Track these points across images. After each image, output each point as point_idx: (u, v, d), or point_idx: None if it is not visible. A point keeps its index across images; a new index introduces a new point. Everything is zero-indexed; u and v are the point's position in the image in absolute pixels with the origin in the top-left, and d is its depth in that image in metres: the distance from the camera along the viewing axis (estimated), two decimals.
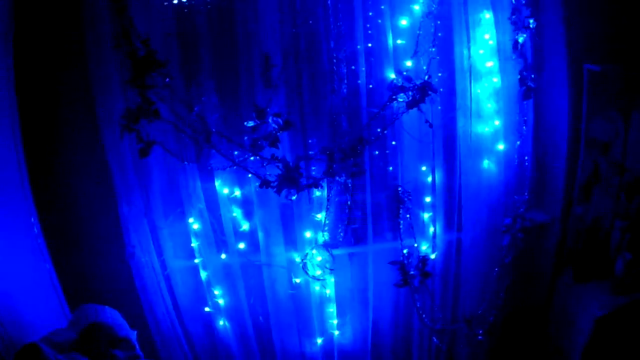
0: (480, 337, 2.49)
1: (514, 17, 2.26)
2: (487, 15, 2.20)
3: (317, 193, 2.04)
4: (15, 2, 2.07)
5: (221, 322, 2.24)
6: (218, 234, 2.13)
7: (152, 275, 2.20)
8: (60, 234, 2.29)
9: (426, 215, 2.20)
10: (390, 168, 2.14)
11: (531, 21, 2.29)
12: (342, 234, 2.09)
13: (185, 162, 2.01)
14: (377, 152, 2.12)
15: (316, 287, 2.17)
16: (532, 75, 2.33)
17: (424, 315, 2.31)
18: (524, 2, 2.28)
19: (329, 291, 2.16)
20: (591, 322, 2.27)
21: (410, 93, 2.05)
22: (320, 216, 2.07)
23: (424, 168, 2.15)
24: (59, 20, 2.11)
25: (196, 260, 2.16)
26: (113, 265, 2.28)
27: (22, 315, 2.16)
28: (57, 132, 2.23)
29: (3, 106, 2.19)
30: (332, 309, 2.21)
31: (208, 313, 2.23)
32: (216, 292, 2.19)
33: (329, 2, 2.04)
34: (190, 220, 2.11)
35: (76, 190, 2.24)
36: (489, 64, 2.24)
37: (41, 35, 2.13)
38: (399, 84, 2.06)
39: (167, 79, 1.95)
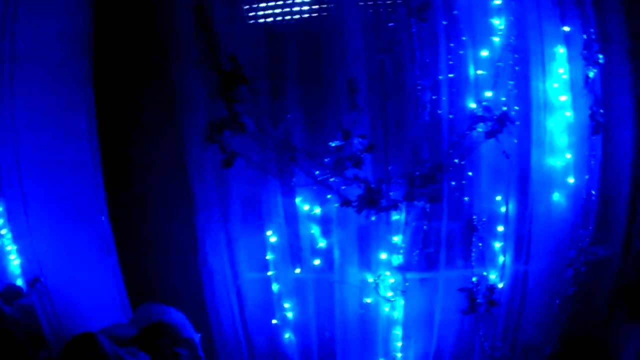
0: None
1: (585, 52, 2.31)
2: (561, 50, 2.25)
3: (395, 216, 2.08)
4: (97, 13, 2.18)
5: (287, 336, 2.26)
6: (294, 249, 2.18)
7: (222, 284, 2.25)
8: (131, 233, 2.36)
9: (497, 245, 2.21)
10: (466, 198, 2.17)
11: (600, 56, 2.34)
12: (416, 258, 2.12)
13: (268, 176, 2.07)
14: (453, 182, 2.15)
15: (385, 308, 2.19)
16: (601, 111, 2.37)
17: (485, 344, 2.32)
18: (594, 37, 2.33)
19: (397, 313, 2.19)
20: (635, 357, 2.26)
21: (489, 123, 2.11)
22: (397, 239, 2.11)
23: (498, 198, 2.17)
24: (142, 32, 2.22)
25: (269, 273, 2.20)
26: (182, 270, 2.33)
27: (81, 308, 2.21)
28: (137, 137, 2.31)
29: (80, 109, 2.30)
30: (398, 331, 2.22)
31: (275, 326, 2.27)
32: (286, 305, 2.22)
33: (413, 29, 2.12)
34: (269, 233, 2.16)
35: (153, 194, 2.31)
36: (562, 97, 2.27)
37: (124, 45, 2.24)
38: (479, 114, 2.12)
39: (254, 94, 2.03)
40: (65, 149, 2.24)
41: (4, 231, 2.12)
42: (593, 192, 2.47)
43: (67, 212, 2.23)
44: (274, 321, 2.26)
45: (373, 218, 2.01)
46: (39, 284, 2.16)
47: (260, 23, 2.18)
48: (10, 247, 2.03)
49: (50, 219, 2.15)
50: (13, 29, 1.87)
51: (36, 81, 2.08)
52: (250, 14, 2.22)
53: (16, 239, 2.10)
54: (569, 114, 2.28)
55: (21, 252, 2.06)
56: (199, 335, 2.12)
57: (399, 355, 2.28)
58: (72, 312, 2.18)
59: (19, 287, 2.26)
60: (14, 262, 2.19)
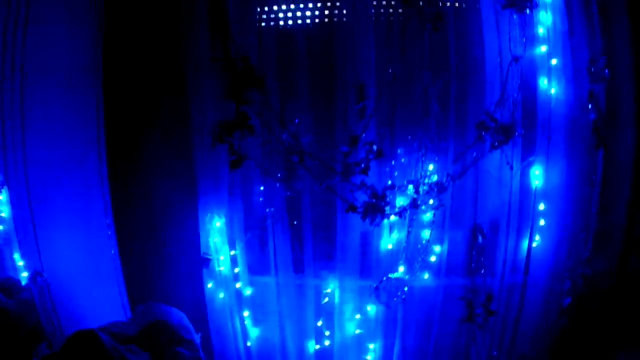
0: None
1: (590, 66, 2.33)
2: (568, 64, 2.28)
3: (398, 224, 2.08)
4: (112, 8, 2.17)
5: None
6: (297, 253, 2.18)
7: (222, 286, 2.25)
8: (133, 232, 2.35)
9: (498, 255, 2.22)
10: (468, 206, 2.18)
11: (606, 72, 2.37)
12: (417, 266, 2.13)
13: (275, 179, 2.07)
14: (457, 192, 2.15)
15: (384, 314, 2.20)
16: (604, 125, 2.40)
17: (481, 353, 2.33)
18: (600, 52, 2.36)
19: (397, 320, 2.20)
20: None
21: (495, 134, 2.13)
22: (399, 246, 2.12)
23: (500, 209, 2.18)
24: (156, 28, 2.20)
25: (271, 277, 2.20)
26: (183, 270, 2.32)
27: (81, 304, 2.21)
28: (145, 135, 2.29)
29: (89, 105, 2.29)
30: (396, 338, 2.22)
31: (273, 330, 2.26)
32: (285, 309, 2.22)
33: (425, 38, 2.14)
34: (272, 236, 2.15)
35: (158, 193, 2.29)
36: (568, 111, 2.31)
37: (136, 40, 2.22)
38: (486, 125, 2.13)
39: (264, 96, 2.03)
40: (71, 143, 2.24)
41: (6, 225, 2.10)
42: (593, 206, 2.53)
43: (71, 208, 2.23)
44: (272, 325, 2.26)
45: (377, 225, 2.02)
46: (40, 278, 2.15)
47: (272, 25, 2.17)
48: (13, 241, 2.02)
49: (55, 214, 2.16)
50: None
51: (45, 80, 2.08)
52: (263, 16, 2.21)
53: (19, 233, 2.09)
54: (572, 127, 2.32)
55: (24, 246, 2.05)
56: (200, 336, 2.13)
57: None
58: (72, 308, 2.19)
59: (18, 281, 2.25)
60: (16, 255, 2.19)
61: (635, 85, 2.36)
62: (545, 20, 2.22)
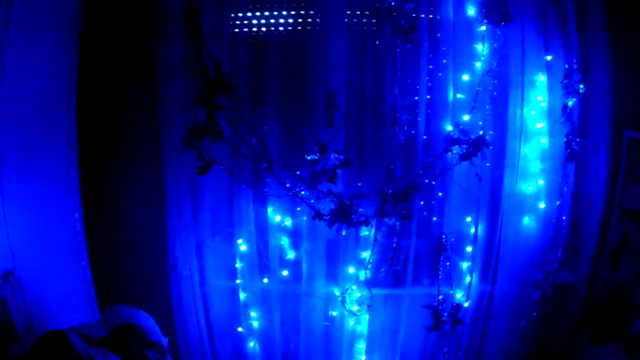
0: None
1: (565, 81, 2.35)
2: (542, 78, 2.30)
3: (364, 232, 2.11)
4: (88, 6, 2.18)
5: (251, 344, 2.28)
6: (263, 259, 2.20)
7: (189, 289, 2.25)
8: (103, 235, 2.35)
9: (465, 265, 2.25)
10: (435, 218, 2.21)
11: (581, 86, 2.38)
12: (383, 274, 2.15)
13: (242, 185, 2.08)
14: (422, 202, 2.19)
15: (350, 322, 2.22)
16: (577, 139, 2.41)
17: None
18: (576, 67, 2.37)
19: (362, 327, 2.21)
20: None
21: (464, 146, 2.14)
22: (365, 254, 2.13)
23: (468, 219, 2.21)
24: (130, 30, 2.21)
25: (237, 281, 2.21)
26: (151, 274, 2.33)
27: (51, 305, 2.20)
28: (116, 138, 2.30)
29: (61, 106, 2.29)
30: (362, 345, 2.25)
31: (239, 334, 2.28)
32: (252, 314, 2.23)
33: (397, 50, 2.15)
34: (239, 241, 2.17)
35: (127, 196, 2.31)
36: (539, 124, 2.32)
37: (111, 41, 2.22)
38: (455, 137, 2.14)
39: (235, 103, 2.04)
40: (44, 145, 2.24)
41: None
42: (564, 218, 2.53)
43: (42, 209, 2.23)
44: (239, 329, 2.27)
45: (344, 232, 2.04)
46: (12, 277, 2.16)
47: (246, 33, 2.18)
48: None
49: (27, 214, 2.15)
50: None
51: (21, 77, 2.08)
52: (237, 22, 2.21)
53: None
54: (544, 140, 2.32)
55: None
56: (167, 339, 2.14)
57: None
58: (43, 308, 2.18)
59: None
60: None
61: (610, 99, 2.39)
62: (519, 34, 2.24)
